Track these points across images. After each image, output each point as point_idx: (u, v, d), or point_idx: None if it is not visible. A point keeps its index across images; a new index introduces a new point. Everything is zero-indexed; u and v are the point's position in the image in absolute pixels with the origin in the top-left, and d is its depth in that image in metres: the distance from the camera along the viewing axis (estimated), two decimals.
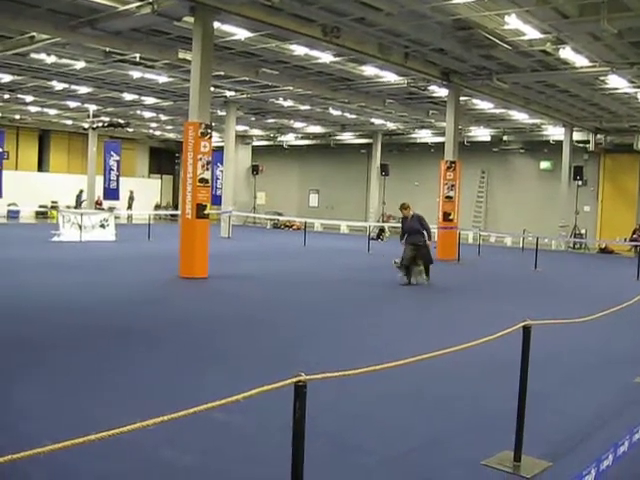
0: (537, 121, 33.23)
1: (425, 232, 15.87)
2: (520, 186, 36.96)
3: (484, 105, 28.66)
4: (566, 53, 18.20)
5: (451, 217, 24.08)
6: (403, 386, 6.97)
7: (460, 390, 7.21)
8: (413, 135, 40.04)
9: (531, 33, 16.73)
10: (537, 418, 5.77)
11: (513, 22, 15.63)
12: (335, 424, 5.84)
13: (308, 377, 3.26)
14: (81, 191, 37.58)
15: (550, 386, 7.34)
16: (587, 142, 33.82)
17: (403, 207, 16.34)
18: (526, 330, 5.09)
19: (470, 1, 14.78)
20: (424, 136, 39.36)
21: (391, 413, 6.36)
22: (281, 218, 41.03)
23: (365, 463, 5.10)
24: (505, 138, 37.11)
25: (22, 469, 4.37)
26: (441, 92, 25.21)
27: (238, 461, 5.04)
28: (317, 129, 40.87)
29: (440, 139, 32.95)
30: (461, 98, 24.93)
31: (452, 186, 24.06)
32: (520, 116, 31.31)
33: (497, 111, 30.48)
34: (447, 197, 24.20)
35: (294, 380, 3.24)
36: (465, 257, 23.60)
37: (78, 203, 37.36)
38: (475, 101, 27.74)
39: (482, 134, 37.24)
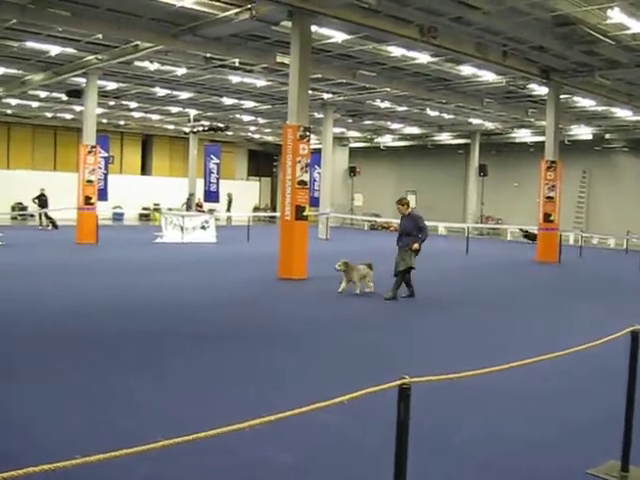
0: None
1: (421, 235, 13.07)
2: (624, 186, 35.69)
3: (585, 103, 27.89)
4: None
5: (552, 218, 23.53)
6: (506, 389, 6.87)
7: (566, 395, 7.07)
8: (512, 135, 39.39)
9: (635, 27, 16.20)
10: None
11: (616, 16, 15.17)
12: (431, 427, 5.79)
13: (412, 379, 3.27)
14: (191, 194, 38.39)
15: None
16: None
17: (400, 202, 13.34)
18: (634, 335, 4.96)
19: None
20: (523, 136, 38.69)
21: (492, 417, 6.28)
22: (378, 220, 40.90)
23: (464, 466, 5.07)
24: (607, 136, 36.06)
25: (128, 464, 4.53)
26: (541, 90, 24.70)
27: (339, 461, 5.09)
28: (414, 130, 40.68)
29: (540, 138, 32.27)
30: (561, 96, 24.33)
31: (553, 186, 23.51)
32: (623, 113, 30.25)
33: (599, 108, 29.58)
34: (548, 198, 23.65)
35: (399, 383, 3.26)
36: (566, 259, 23.04)
37: (188, 206, 38.17)
38: (576, 99, 27.04)
39: (583, 132, 36.27)
